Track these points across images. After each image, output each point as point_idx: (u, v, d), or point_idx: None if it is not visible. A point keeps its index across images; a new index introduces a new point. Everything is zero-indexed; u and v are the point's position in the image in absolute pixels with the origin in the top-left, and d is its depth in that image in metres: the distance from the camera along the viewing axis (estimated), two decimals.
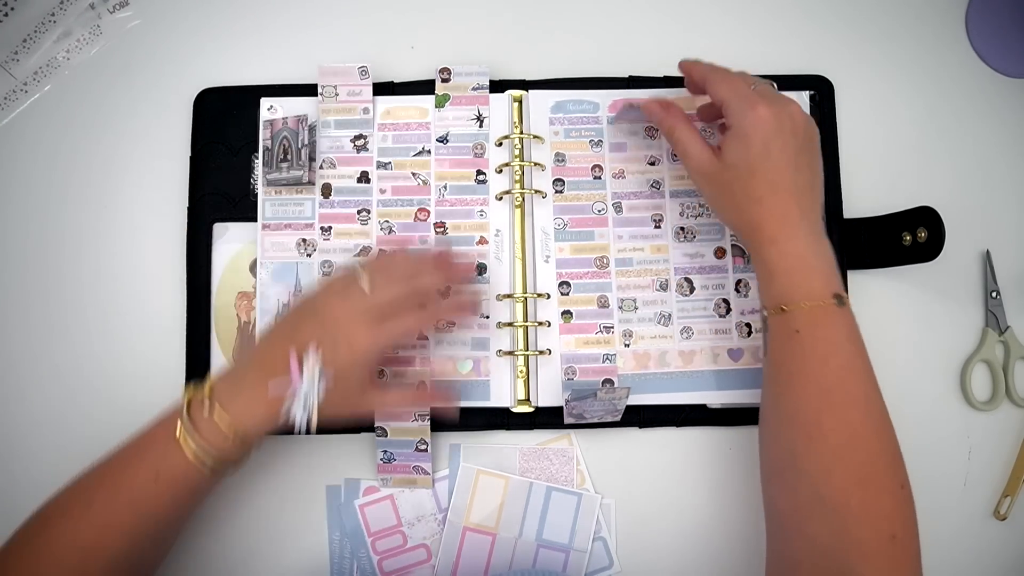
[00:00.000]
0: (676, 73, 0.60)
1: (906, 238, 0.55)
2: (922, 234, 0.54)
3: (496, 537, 0.57)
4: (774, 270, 0.48)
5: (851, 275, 0.60)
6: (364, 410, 0.52)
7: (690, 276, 0.59)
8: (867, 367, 0.48)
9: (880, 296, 0.61)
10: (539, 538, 0.57)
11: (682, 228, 0.60)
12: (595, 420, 0.56)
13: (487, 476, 0.58)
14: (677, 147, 0.53)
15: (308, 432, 0.47)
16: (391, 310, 0.50)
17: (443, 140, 0.60)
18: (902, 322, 0.61)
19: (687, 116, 0.54)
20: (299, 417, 0.47)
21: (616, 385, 0.57)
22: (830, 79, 0.62)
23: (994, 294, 0.61)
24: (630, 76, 0.62)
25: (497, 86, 0.61)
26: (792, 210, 0.48)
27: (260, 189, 0.60)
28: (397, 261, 0.52)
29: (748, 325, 0.59)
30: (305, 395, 0.47)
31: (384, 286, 0.50)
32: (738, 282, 0.59)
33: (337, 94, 0.60)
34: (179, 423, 0.46)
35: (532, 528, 0.57)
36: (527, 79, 0.61)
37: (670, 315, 0.59)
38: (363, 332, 0.49)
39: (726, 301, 0.59)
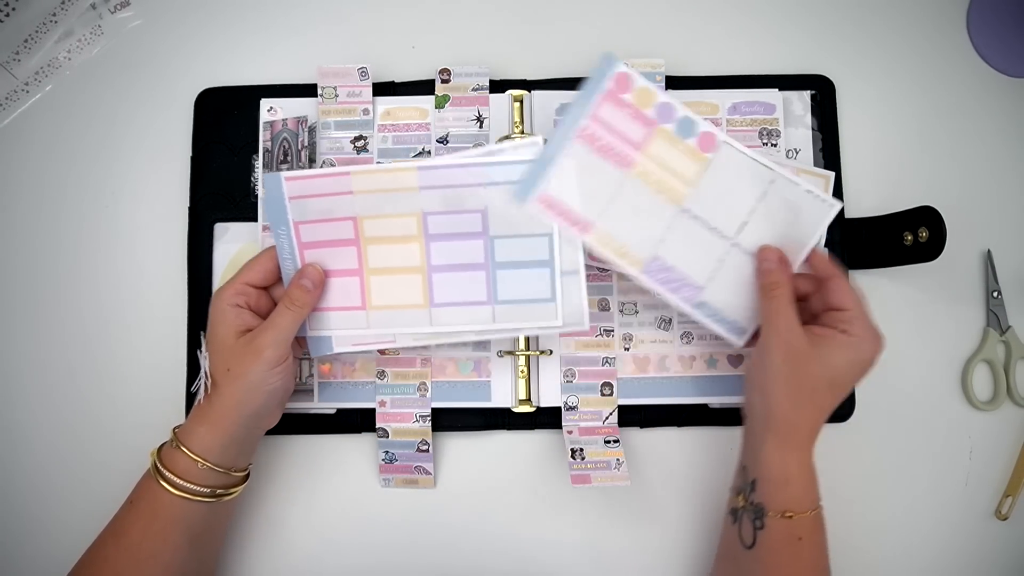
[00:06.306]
0: (677, 73, 0.61)
1: (907, 238, 0.55)
2: (923, 234, 0.54)
3: None
4: (790, 477, 0.48)
5: (852, 275, 0.60)
6: (256, 361, 0.50)
7: None
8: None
9: (881, 296, 0.60)
10: None
11: None
12: None
13: None
14: (771, 307, 0.50)
15: (207, 392, 0.50)
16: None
17: (443, 141, 0.60)
18: (903, 322, 0.60)
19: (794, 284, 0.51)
20: (200, 385, 0.51)
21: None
22: (831, 79, 0.62)
23: (995, 294, 0.60)
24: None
25: (497, 86, 0.61)
26: (820, 426, 0.50)
27: (260, 191, 0.60)
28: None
29: None
30: (202, 370, 0.52)
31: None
32: None
33: (337, 95, 0.60)
34: (151, 457, 0.50)
35: None
36: (528, 79, 0.61)
37: (671, 320, 0.59)
38: (216, 293, 0.52)
39: None
